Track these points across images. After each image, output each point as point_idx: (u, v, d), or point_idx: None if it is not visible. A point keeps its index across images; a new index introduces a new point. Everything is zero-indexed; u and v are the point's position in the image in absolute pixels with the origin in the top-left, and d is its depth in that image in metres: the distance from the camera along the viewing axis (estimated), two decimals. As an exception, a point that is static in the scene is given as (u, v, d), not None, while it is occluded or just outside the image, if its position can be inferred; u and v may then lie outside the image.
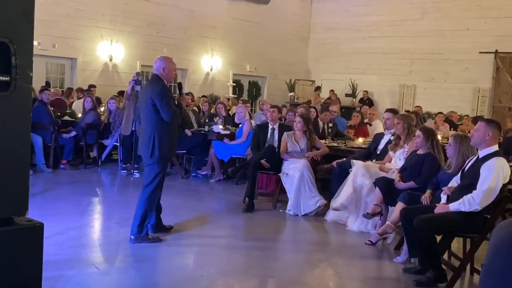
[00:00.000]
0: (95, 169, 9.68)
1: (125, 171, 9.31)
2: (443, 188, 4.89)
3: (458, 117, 13.16)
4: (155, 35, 14.42)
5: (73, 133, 9.45)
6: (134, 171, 9.14)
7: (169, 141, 5.30)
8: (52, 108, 9.58)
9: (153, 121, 5.22)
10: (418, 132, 5.73)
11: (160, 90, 5.20)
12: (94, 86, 12.39)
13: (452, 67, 15.96)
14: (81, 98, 11.00)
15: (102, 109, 10.61)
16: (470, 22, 15.65)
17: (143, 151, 5.29)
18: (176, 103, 5.39)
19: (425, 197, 5.07)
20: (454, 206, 4.49)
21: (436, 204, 4.73)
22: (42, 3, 11.78)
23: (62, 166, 9.35)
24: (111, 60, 13.75)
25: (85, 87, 12.13)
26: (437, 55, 16.15)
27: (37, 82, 12.01)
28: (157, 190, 5.38)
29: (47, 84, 12.55)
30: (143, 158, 5.39)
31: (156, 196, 5.41)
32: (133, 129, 8.99)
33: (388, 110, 7.20)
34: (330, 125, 9.35)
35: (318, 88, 17.05)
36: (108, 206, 7.24)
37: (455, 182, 4.80)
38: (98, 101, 11.30)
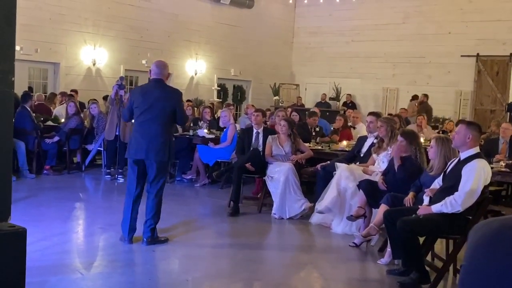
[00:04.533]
0: (78, 174, 9.61)
1: (109, 176, 9.26)
2: (425, 190, 4.94)
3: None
4: (139, 40, 14.40)
5: (56, 138, 9.37)
6: (118, 176, 9.10)
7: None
8: (34, 114, 9.50)
9: (168, 125, 5.47)
10: (400, 138, 5.74)
11: (181, 96, 5.64)
12: (75, 91, 12.32)
13: (435, 71, 16.13)
14: (63, 103, 10.91)
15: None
16: (452, 26, 15.85)
17: (159, 155, 5.33)
18: None
19: (408, 199, 5.12)
20: (436, 208, 4.54)
21: (419, 206, 4.78)
22: (24, 7, 11.70)
23: (45, 171, 9.27)
24: (94, 64, 13.69)
25: (68, 92, 12.05)
26: (419, 59, 16.31)
27: (20, 87, 11.91)
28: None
29: (30, 89, 12.45)
30: (157, 163, 5.35)
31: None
32: (117, 133, 8.95)
33: (371, 114, 7.26)
34: (317, 129, 9.41)
35: (416, 97, 15.59)
36: (92, 212, 7.20)
37: (437, 184, 4.85)
38: (81, 106, 11.24)
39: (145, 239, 5.44)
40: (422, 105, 15.04)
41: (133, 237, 5.46)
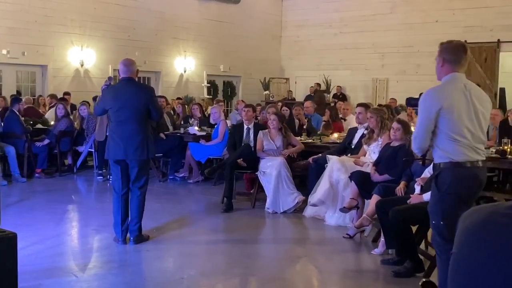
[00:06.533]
0: (70, 176, 9.57)
1: (101, 177, 9.23)
2: (416, 179, 4.96)
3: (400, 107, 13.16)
4: (126, 39, 14.32)
5: (47, 141, 9.32)
6: (110, 177, 9.05)
7: (153, 141, 5.61)
8: (23, 117, 9.43)
9: (144, 123, 5.40)
10: (397, 125, 5.75)
11: (153, 92, 5.62)
12: (68, 94, 12.29)
13: (423, 59, 16.13)
14: (53, 106, 10.85)
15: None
16: (439, 14, 15.86)
17: (136, 153, 5.32)
18: None
19: (400, 189, 5.14)
20: (428, 196, 4.55)
21: (410, 195, 4.80)
22: (10, 11, 11.64)
23: (37, 175, 9.22)
24: (82, 65, 13.60)
25: (58, 94, 11.97)
26: (408, 48, 16.33)
27: (8, 91, 11.84)
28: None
29: (18, 93, 12.37)
30: (135, 161, 5.37)
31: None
32: (107, 134, 8.90)
33: (359, 105, 7.27)
34: (306, 120, 9.39)
35: None
36: (85, 213, 7.18)
37: (428, 172, 4.87)
38: (73, 108, 11.20)
39: (132, 238, 5.45)
40: (316, 94, 16.09)
41: (126, 238, 5.45)
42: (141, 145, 5.32)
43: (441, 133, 3.54)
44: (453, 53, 3.62)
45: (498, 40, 15.15)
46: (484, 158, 3.64)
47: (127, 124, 5.33)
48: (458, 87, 3.57)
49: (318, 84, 16.88)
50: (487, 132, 8.02)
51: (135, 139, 5.32)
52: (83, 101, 10.43)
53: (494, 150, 6.72)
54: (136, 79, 5.60)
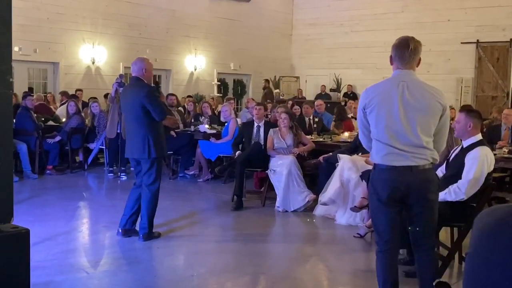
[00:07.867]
0: (81, 173, 9.61)
1: (112, 174, 9.26)
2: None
3: None
4: (137, 37, 14.37)
5: (58, 138, 9.37)
6: (121, 174, 9.10)
7: (161, 140, 5.49)
8: (35, 114, 9.49)
9: (145, 123, 5.34)
10: None
11: (148, 91, 5.35)
12: (81, 91, 12.38)
13: (435, 59, 16.06)
14: (64, 103, 10.91)
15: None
16: (451, 13, 15.77)
17: (137, 153, 5.38)
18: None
19: (411, 188, 5.09)
20: (440, 196, 4.49)
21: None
22: (21, 8, 11.70)
23: (48, 171, 9.28)
24: (93, 63, 13.67)
25: (69, 91, 12.04)
26: (419, 47, 16.24)
27: (20, 88, 11.92)
28: (159, 188, 5.53)
29: (30, 90, 12.45)
30: (141, 160, 5.43)
31: (158, 193, 5.53)
32: (118, 131, 8.94)
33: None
34: (316, 119, 9.37)
35: None
36: (96, 210, 7.21)
37: (440, 172, 4.83)
38: (84, 106, 11.25)
39: (141, 235, 5.47)
40: (266, 90, 16.77)
41: (125, 231, 5.50)
42: (142, 145, 5.33)
43: (371, 133, 3.47)
44: (396, 50, 3.55)
45: (511, 39, 15.04)
46: (414, 164, 3.31)
47: (130, 123, 5.52)
48: (389, 85, 3.44)
49: (267, 81, 17.26)
50: (500, 132, 8.01)
51: (136, 138, 5.39)
52: (92, 97, 10.49)
53: (506, 150, 6.67)
54: (145, 76, 5.44)
